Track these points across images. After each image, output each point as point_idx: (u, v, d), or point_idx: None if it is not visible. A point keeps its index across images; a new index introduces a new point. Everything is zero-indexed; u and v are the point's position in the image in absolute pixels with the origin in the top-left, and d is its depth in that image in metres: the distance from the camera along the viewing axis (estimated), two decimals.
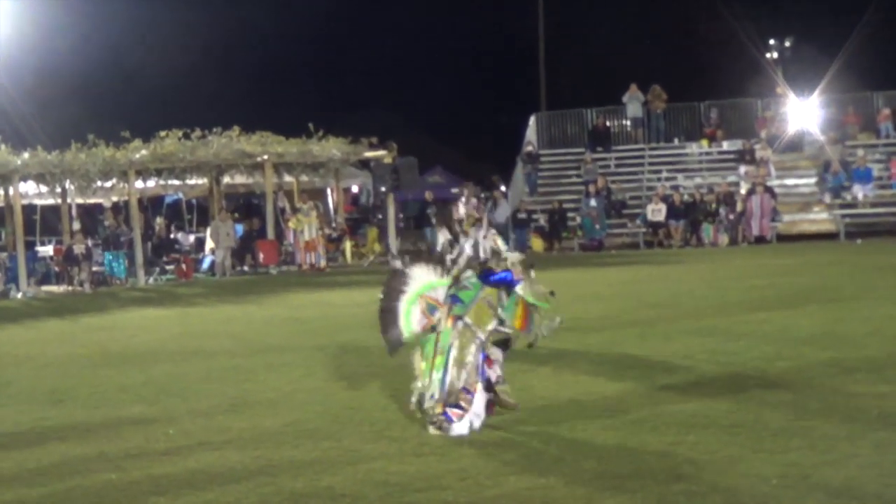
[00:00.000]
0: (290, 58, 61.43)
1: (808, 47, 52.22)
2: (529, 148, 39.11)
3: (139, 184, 30.47)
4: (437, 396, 8.50)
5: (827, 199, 34.40)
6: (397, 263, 9.12)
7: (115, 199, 33.44)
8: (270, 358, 13.07)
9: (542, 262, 27.49)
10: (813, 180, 36.00)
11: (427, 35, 66.45)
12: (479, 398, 8.55)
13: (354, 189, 41.95)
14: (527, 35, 53.10)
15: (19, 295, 27.18)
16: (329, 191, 36.90)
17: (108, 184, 30.03)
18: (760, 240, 31.99)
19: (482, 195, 37.61)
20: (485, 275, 8.81)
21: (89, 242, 29.70)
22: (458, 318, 8.64)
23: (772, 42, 53.18)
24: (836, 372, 10.18)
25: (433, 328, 8.73)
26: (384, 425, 8.82)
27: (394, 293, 8.91)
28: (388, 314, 8.91)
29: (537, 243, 33.64)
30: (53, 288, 28.96)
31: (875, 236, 31.13)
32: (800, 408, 8.64)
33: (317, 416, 9.35)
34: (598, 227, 33.55)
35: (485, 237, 11.84)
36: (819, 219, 34.17)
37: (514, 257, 9.13)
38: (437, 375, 8.55)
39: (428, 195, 36.05)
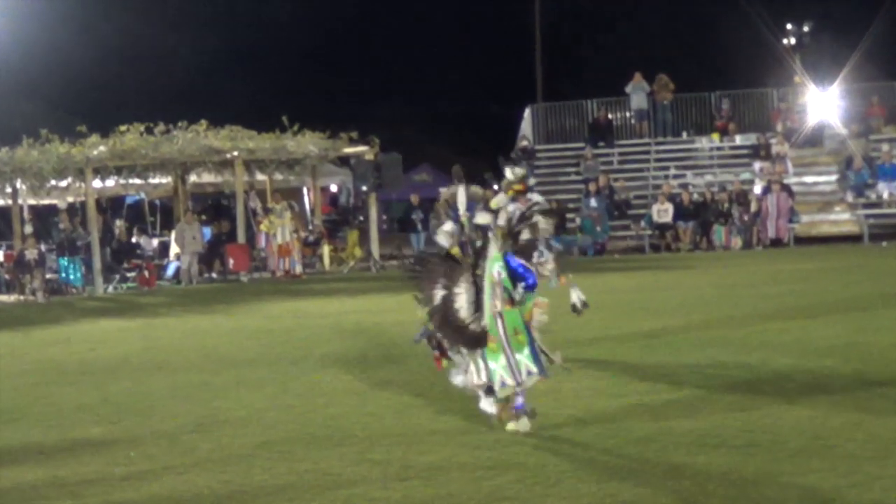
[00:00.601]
0: (263, 46, 61.44)
1: (828, 33, 52.47)
2: (524, 143, 38.66)
3: (97, 183, 30.43)
4: (534, 371, 8.90)
5: (849, 197, 34.48)
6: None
7: (70, 199, 33.35)
8: (241, 373, 13.06)
9: None
10: (834, 178, 36.07)
11: (412, 19, 66.46)
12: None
13: (333, 188, 41.96)
14: (522, 19, 53.20)
15: None
16: (305, 190, 36.90)
17: (63, 183, 29.96)
18: (777, 243, 32.04)
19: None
20: (508, 257, 8.97)
21: (42, 247, 29.63)
22: (513, 301, 8.90)
23: (789, 27, 53.44)
24: (859, 386, 10.21)
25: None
26: (366, 446, 8.82)
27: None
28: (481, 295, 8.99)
29: None
30: (3, 297, 28.89)
31: None
32: (820, 426, 8.66)
33: (292, 437, 9.35)
34: (599, 229, 33.56)
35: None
36: (841, 220, 34.24)
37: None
38: (524, 354, 8.86)
39: (413, 196, 36.05)
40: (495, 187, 33.48)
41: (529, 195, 11.37)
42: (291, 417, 10.16)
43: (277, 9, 60.81)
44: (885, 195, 33.94)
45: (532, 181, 10.07)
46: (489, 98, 61.57)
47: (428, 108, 63.59)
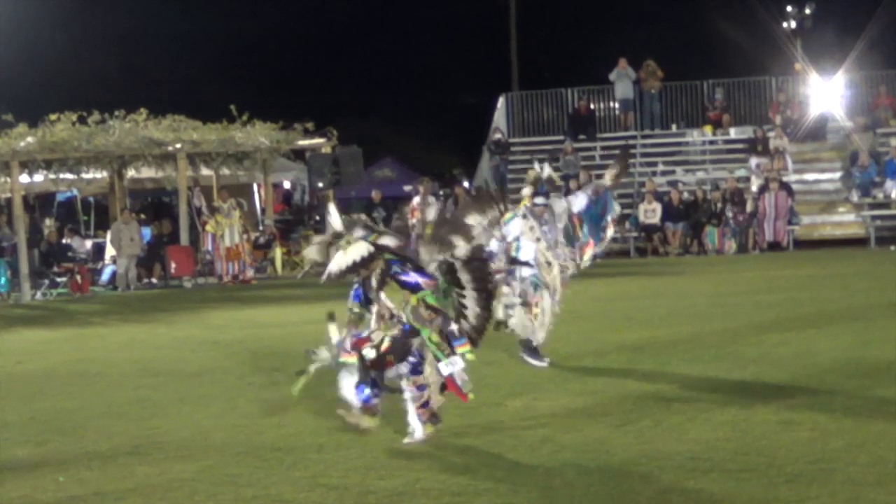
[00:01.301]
0: (208, 26, 61.14)
1: (832, 16, 52.67)
2: (498, 135, 39.22)
3: (24, 178, 30.31)
4: None
5: (854, 197, 34.67)
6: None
7: None
8: (184, 389, 13.04)
9: None
10: (838, 175, 36.29)
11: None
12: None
13: (286, 185, 41.93)
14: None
15: None
16: (255, 187, 36.85)
17: None
18: (775, 246, 32.19)
19: (441, 192, 37.64)
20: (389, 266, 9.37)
21: None
22: None
23: (789, 9, 53.56)
24: (863, 405, 10.26)
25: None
26: (321, 469, 8.82)
27: None
28: None
29: None
30: None
31: None
32: (820, 448, 8.70)
33: (239, 459, 9.34)
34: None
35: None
36: (845, 221, 34.44)
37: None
38: None
39: (375, 193, 36.05)
40: (465, 184, 33.71)
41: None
42: (239, 438, 10.14)
43: None
44: (893, 195, 34.09)
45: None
46: (459, 86, 61.50)
47: (391, 97, 63.57)
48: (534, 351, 13.22)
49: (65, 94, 40.22)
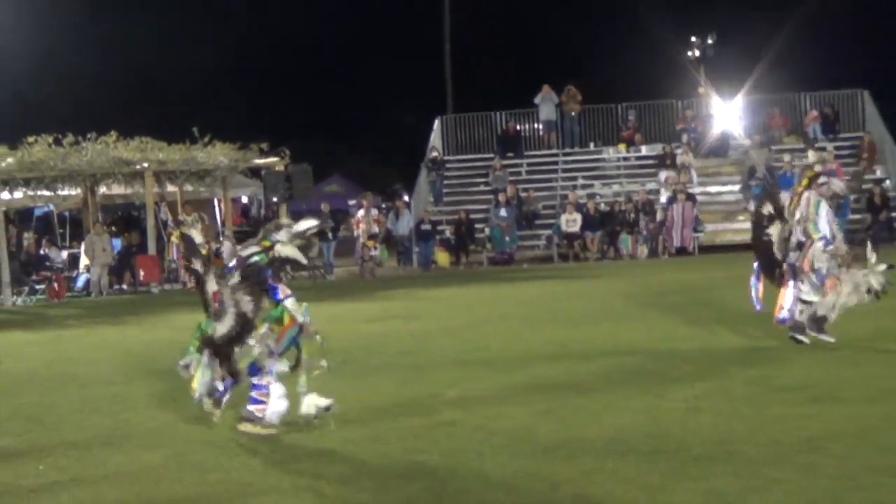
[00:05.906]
0: (171, 54, 60.81)
1: (732, 45, 53.02)
2: (434, 153, 39.13)
3: (5, 195, 30.02)
4: None
5: (752, 207, 34.79)
6: None
7: None
8: (152, 385, 12.94)
9: (448, 278, 27.50)
10: (737, 187, 36.49)
11: (323, 30, 66.15)
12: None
13: (244, 199, 41.72)
14: (433, 31, 53.28)
15: None
16: (216, 201, 36.64)
17: None
18: (682, 251, 32.35)
19: (383, 206, 37.54)
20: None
21: None
22: None
23: (693, 39, 53.86)
24: (761, 391, 10.36)
25: None
26: (280, 456, 8.81)
27: None
28: None
29: (443, 257, 33.66)
30: None
31: None
32: (723, 431, 8.78)
33: (203, 447, 9.31)
34: (508, 239, 33.65)
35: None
36: (744, 228, 34.49)
37: None
38: None
39: (324, 206, 35.94)
40: (405, 198, 33.62)
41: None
42: (202, 429, 10.07)
43: (185, 22, 60.28)
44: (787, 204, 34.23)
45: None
46: (400, 109, 61.45)
47: (338, 117, 63.41)
48: (821, 325, 12.91)
49: (41, 117, 39.82)
